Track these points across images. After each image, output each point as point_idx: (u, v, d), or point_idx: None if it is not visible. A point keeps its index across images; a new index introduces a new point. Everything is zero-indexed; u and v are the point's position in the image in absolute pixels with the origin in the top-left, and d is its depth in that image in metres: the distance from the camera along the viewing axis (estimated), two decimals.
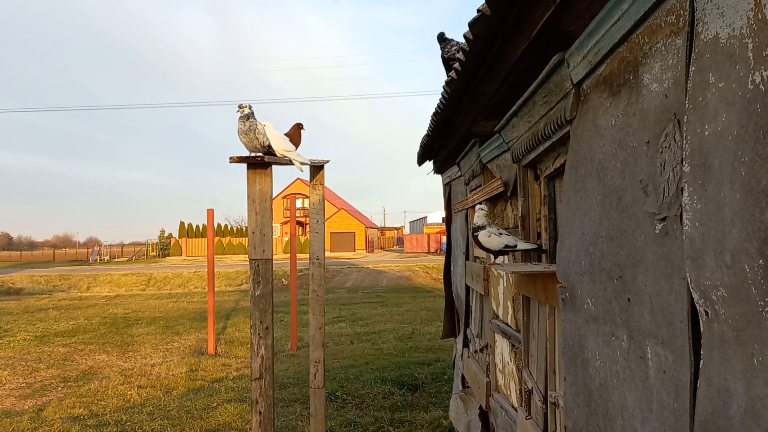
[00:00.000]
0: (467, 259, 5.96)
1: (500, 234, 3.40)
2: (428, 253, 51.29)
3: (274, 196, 5.01)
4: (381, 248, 66.25)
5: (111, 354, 12.81)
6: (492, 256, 3.57)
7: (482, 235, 3.44)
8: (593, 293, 2.11)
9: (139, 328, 16.52)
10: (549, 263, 3.15)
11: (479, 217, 3.57)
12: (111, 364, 11.68)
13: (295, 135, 5.46)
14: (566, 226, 2.40)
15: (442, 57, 5.07)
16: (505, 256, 3.85)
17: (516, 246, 3.27)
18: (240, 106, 4.76)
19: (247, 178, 4.69)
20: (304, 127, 5.60)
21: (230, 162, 4.62)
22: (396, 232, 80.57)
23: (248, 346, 12.36)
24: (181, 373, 10.49)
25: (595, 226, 2.08)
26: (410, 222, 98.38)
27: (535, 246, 3.21)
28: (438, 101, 4.30)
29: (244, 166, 4.72)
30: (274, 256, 4.92)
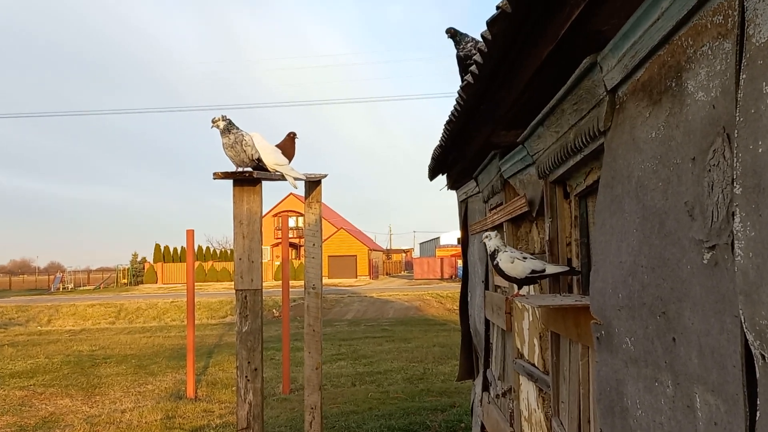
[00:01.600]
0: (487, 288, 5.95)
1: (524, 258, 3.42)
2: (441, 279, 51.16)
3: (263, 214, 5.05)
4: (387, 274, 66.15)
5: (75, 398, 12.79)
6: (516, 286, 3.58)
7: (504, 260, 3.45)
8: (632, 331, 2.11)
9: (107, 368, 16.49)
10: (581, 295, 3.14)
11: (490, 241, 3.60)
12: (75, 410, 11.65)
13: (287, 146, 5.51)
14: (601, 253, 2.41)
15: (457, 56, 5.12)
16: (532, 286, 3.86)
17: (544, 270, 3.28)
18: (213, 120, 4.80)
19: (234, 196, 4.73)
20: (297, 137, 5.65)
21: (214, 178, 4.66)
22: (404, 255, 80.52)
23: (233, 389, 12.32)
24: (156, 421, 10.45)
25: (634, 254, 2.09)
26: (420, 244, 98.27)
27: (567, 268, 3.22)
28: (453, 107, 4.34)
29: (230, 182, 4.76)
30: (263, 284, 4.94)
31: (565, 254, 3.40)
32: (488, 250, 3.66)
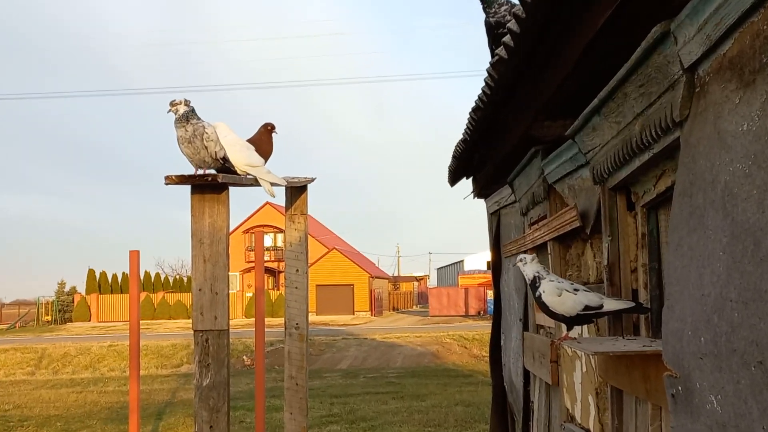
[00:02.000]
0: (526, 328, 5.94)
1: (575, 290, 3.42)
2: (466, 316, 51.04)
3: (231, 230, 5.06)
4: (394, 309, 66.08)
5: None
6: (564, 326, 3.57)
7: (549, 292, 3.46)
8: (719, 386, 2.09)
9: None
10: (651, 339, 3.13)
11: (526, 266, 3.62)
12: None
13: (263, 141, 5.52)
14: (676, 283, 2.41)
15: (487, 22, 5.14)
16: (585, 326, 3.85)
17: (602, 306, 3.28)
18: (172, 104, 4.83)
19: (192, 206, 4.74)
20: (276, 130, 5.66)
21: (167, 183, 4.68)
22: (416, 284, 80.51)
23: None
24: None
25: (721, 284, 2.08)
26: (438, 269, 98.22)
27: (632, 304, 3.21)
28: (480, 90, 4.36)
29: (187, 188, 4.77)
30: (231, 323, 4.95)
31: (630, 284, 3.38)
32: (526, 278, 3.67)
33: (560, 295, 3.42)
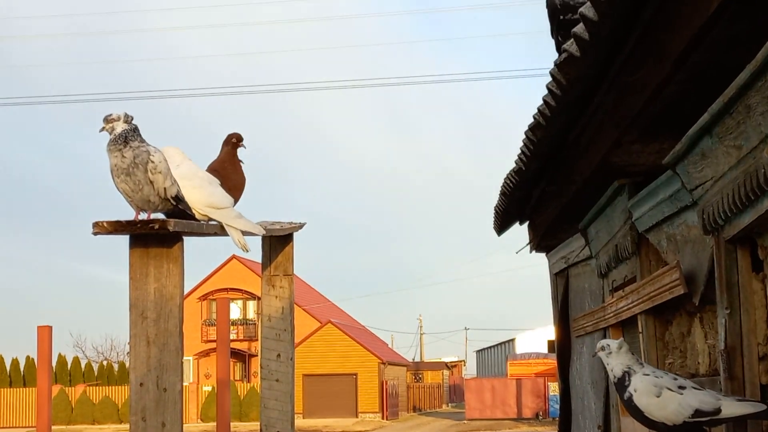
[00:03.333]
0: None
1: (681, 388, 3.42)
2: (519, 420, 50.80)
3: (184, 295, 5.07)
4: (415, 409, 65.69)
5: None
6: None
7: (642, 392, 3.44)
8: None
9: None
10: None
11: (611, 357, 3.64)
12: None
13: (228, 167, 5.54)
14: None
15: (549, 3, 5.19)
16: None
17: (719, 410, 3.28)
18: (107, 119, 4.85)
19: (131, 265, 4.75)
20: (244, 144, 5.67)
21: (95, 233, 4.70)
22: (448, 373, 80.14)
23: None
24: None
25: None
26: (477, 352, 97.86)
27: (763, 407, 3.22)
28: (541, 102, 4.36)
29: (125, 240, 4.79)
30: (184, 428, 4.95)
31: (758, 377, 3.37)
32: (611, 376, 3.66)
33: (659, 395, 3.41)
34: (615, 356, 3.63)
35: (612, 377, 3.66)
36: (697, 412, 3.32)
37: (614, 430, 5.78)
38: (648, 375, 3.48)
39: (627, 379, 3.54)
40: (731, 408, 3.26)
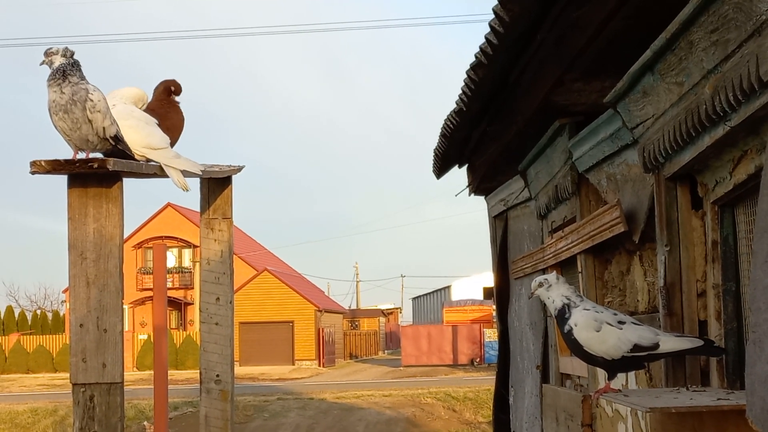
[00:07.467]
0: (545, 380, 5.91)
1: (620, 323, 3.45)
2: (454, 366, 51.10)
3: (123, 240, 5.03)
4: (351, 356, 65.95)
5: None
6: (603, 374, 3.60)
7: (583, 327, 3.48)
8: None
9: None
10: (727, 390, 3.15)
11: (550, 290, 3.66)
12: None
13: (164, 110, 5.48)
14: (766, 310, 2.42)
15: None
16: (634, 373, 3.86)
17: (657, 345, 3.32)
18: (47, 53, 4.80)
19: (69, 205, 4.70)
20: (180, 90, 5.61)
21: (32, 172, 4.64)
22: (384, 320, 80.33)
23: None
24: None
25: None
26: (413, 299, 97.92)
27: (701, 342, 3.25)
28: (483, 40, 4.33)
29: (63, 180, 4.73)
30: (125, 376, 4.92)
31: (696, 313, 3.41)
32: (551, 308, 3.67)
33: (599, 329, 3.42)
34: (555, 288, 3.64)
35: (553, 310, 3.67)
36: (636, 347, 3.35)
37: (553, 369, 5.83)
38: (588, 310, 3.50)
39: (567, 311, 3.55)
40: (670, 343, 3.30)
